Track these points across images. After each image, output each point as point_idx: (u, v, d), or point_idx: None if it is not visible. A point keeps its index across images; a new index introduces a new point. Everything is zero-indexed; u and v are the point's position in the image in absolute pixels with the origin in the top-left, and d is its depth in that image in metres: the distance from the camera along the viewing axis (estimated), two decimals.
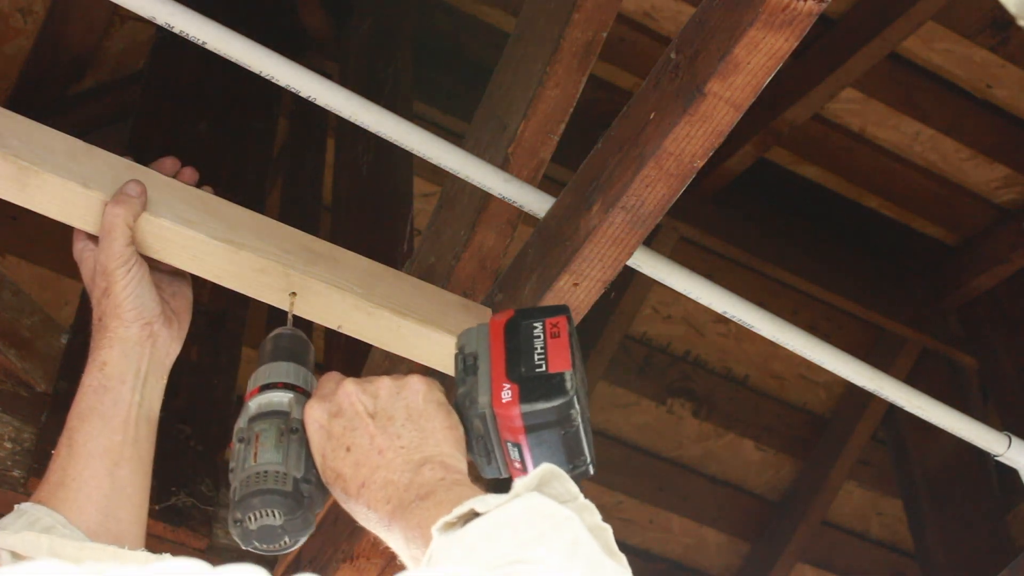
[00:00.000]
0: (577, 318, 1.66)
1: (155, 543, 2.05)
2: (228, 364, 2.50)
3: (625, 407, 3.88)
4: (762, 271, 3.54)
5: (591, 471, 1.21)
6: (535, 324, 1.27)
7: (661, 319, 3.80)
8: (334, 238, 2.12)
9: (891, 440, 3.81)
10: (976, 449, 2.09)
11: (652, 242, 3.26)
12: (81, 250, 1.41)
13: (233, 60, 1.59)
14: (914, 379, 3.24)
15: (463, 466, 1.12)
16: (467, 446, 1.19)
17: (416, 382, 1.20)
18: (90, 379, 1.35)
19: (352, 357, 2.35)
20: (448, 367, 1.63)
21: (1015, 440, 2.06)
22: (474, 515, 0.95)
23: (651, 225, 1.57)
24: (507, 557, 0.87)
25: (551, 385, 1.20)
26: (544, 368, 1.22)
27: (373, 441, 1.13)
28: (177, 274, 1.47)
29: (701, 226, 3.41)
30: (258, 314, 2.64)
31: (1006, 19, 2.93)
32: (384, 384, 1.19)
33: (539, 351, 1.23)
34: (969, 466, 3.53)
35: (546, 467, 1.00)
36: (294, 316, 1.46)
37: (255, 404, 1.27)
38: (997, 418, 3.45)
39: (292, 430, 1.23)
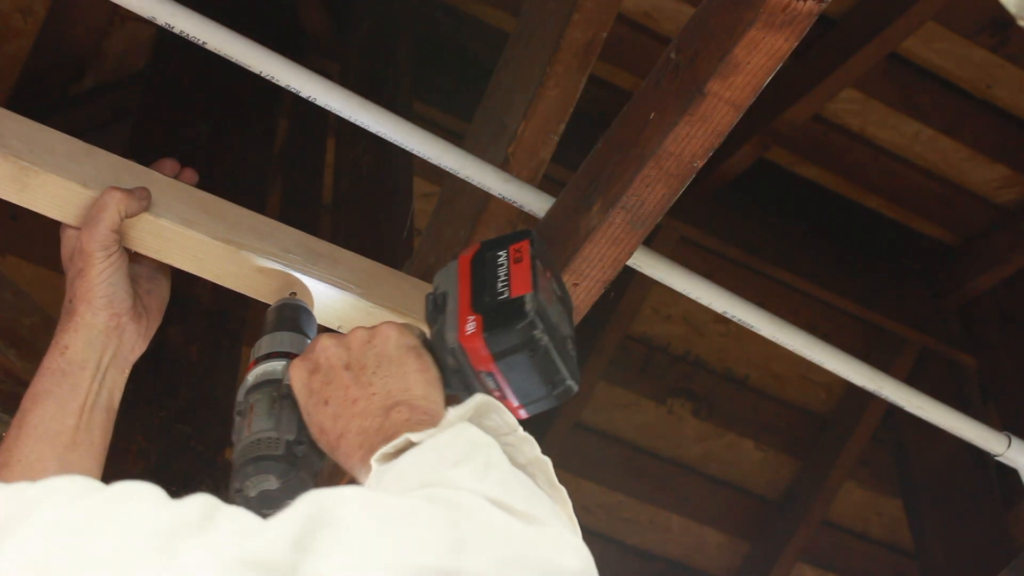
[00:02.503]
0: (577, 318, 1.66)
1: None
2: (228, 364, 2.50)
3: (625, 407, 3.88)
4: (762, 271, 3.54)
5: (574, 387, 1.20)
6: (499, 253, 1.27)
7: (661, 319, 3.80)
8: (334, 238, 2.13)
9: (891, 440, 3.81)
10: (976, 449, 2.09)
11: (652, 242, 3.26)
12: (66, 228, 1.41)
13: (233, 60, 1.59)
14: (914, 379, 3.24)
15: (435, 407, 1.13)
16: (446, 383, 1.19)
17: (386, 329, 1.20)
18: (50, 362, 1.33)
19: None
20: None
21: (1015, 440, 2.06)
22: (411, 445, 0.99)
23: (651, 225, 1.57)
24: (424, 480, 0.91)
25: (512, 310, 1.19)
26: (506, 294, 1.21)
27: (347, 392, 1.15)
28: (157, 272, 1.46)
29: (701, 226, 3.41)
30: (258, 314, 2.64)
31: (1006, 19, 2.93)
32: (357, 335, 1.20)
33: (502, 278, 1.23)
34: (969, 466, 3.53)
35: (481, 398, 1.03)
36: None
37: (252, 376, 1.29)
38: (997, 418, 3.45)
39: (284, 395, 1.24)
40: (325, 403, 1.16)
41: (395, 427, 1.08)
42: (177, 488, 2.39)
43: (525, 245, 1.27)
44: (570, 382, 1.20)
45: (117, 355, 1.36)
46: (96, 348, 1.34)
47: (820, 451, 3.90)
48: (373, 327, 1.21)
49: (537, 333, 1.17)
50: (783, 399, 3.95)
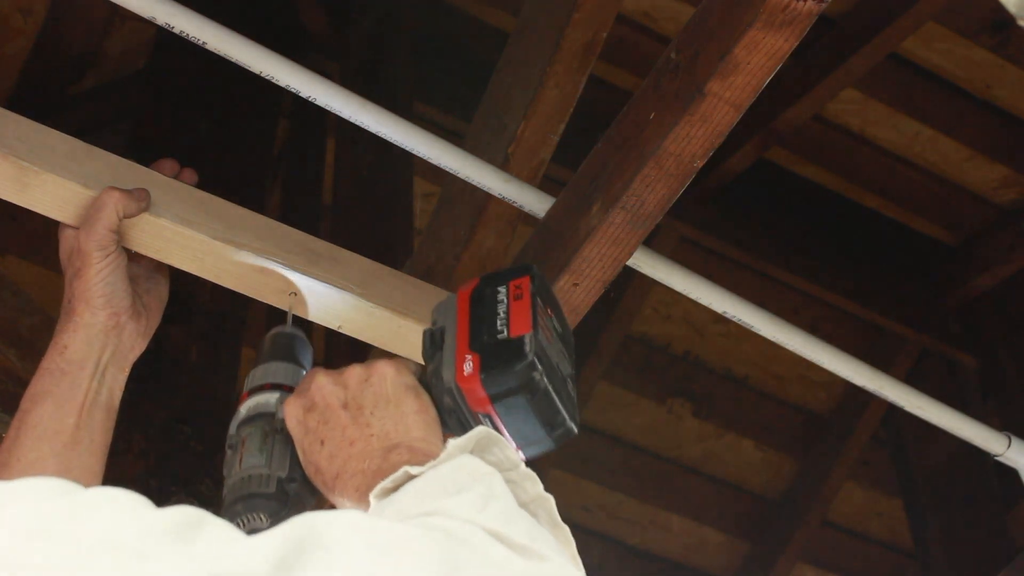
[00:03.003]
0: (577, 318, 1.66)
1: None
2: (228, 364, 2.50)
3: (625, 407, 3.88)
4: (762, 271, 3.54)
5: (573, 430, 1.16)
6: (499, 288, 1.23)
7: (661, 319, 3.80)
8: (334, 238, 2.13)
9: (891, 440, 3.81)
10: (976, 449, 2.09)
11: (652, 242, 3.26)
12: (64, 227, 1.41)
13: (233, 60, 1.59)
14: (914, 379, 3.24)
15: (435, 449, 1.10)
16: (442, 423, 1.17)
17: (383, 367, 1.18)
18: (49, 362, 1.33)
19: (352, 357, 2.34)
20: None
21: (1015, 440, 2.06)
22: (410, 478, 0.97)
23: (651, 225, 1.57)
24: (423, 509, 0.89)
25: (510, 351, 1.15)
26: (505, 333, 1.17)
27: (345, 432, 1.13)
28: (156, 272, 1.46)
29: (701, 226, 3.41)
30: (258, 314, 2.64)
31: (1006, 19, 2.93)
32: (353, 373, 1.18)
33: (501, 316, 1.19)
34: (969, 466, 3.53)
35: (482, 431, 1.01)
36: (294, 316, 1.47)
37: (244, 408, 1.27)
38: (997, 418, 3.45)
39: (277, 430, 1.22)
40: (321, 443, 1.14)
41: (394, 469, 1.05)
42: (177, 488, 2.39)
43: (526, 281, 1.23)
44: (570, 424, 1.16)
45: (116, 354, 1.36)
46: (95, 347, 1.34)
47: (820, 451, 3.90)
48: (369, 364, 1.19)
49: (536, 375, 1.14)
50: (783, 399, 3.94)
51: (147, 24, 1.69)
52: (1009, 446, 2.05)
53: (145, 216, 1.41)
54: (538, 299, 1.22)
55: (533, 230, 1.75)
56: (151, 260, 1.45)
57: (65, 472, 1.30)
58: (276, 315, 1.50)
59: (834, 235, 3.55)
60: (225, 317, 2.51)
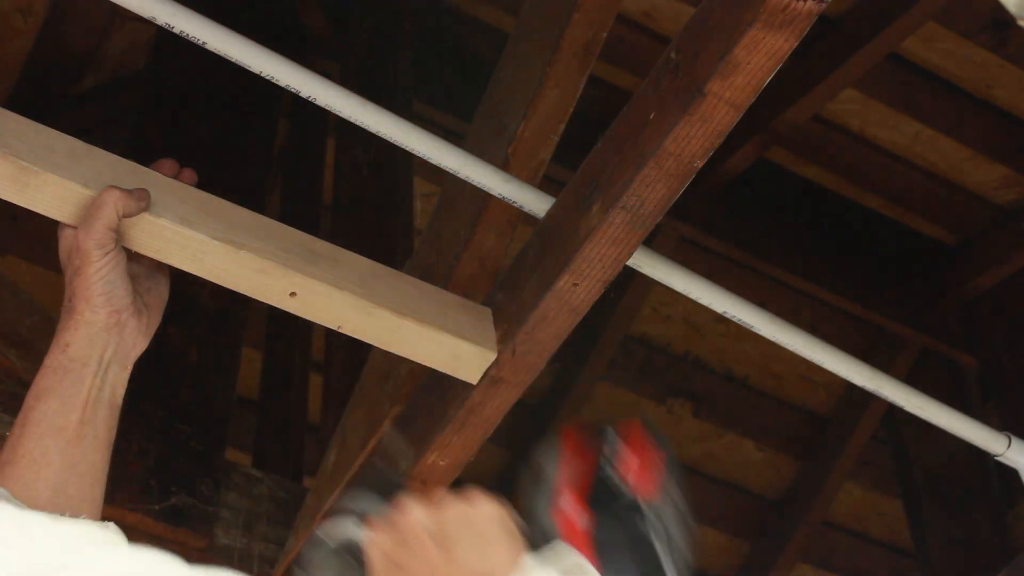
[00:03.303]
0: (577, 318, 1.66)
1: (156, 543, 2.04)
2: (228, 364, 2.50)
3: (625, 407, 3.88)
4: (762, 271, 3.54)
5: None
6: (608, 433, 1.17)
7: (661, 319, 3.80)
8: (334, 238, 2.13)
9: (891, 440, 3.80)
10: (976, 449, 2.09)
11: (652, 242, 3.26)
12: (63, 226, 1.42)
13: (233, 60, 1.59)
14: (914, 379, 3.23)
15: None
16: None
17: (486, 507, 1.10)
18: (52, 360, 1.35)
19: (352, 357, 2.35)
20: (446, 367, 1.64)
21: (1015, 440, 2.06)
22: None
23: (651, 225, 1.57)
24: None
25: (619, 502, 1.10)
26: (616, 482, 1.12)
27: (434, 571, 1.07)
28: (156, 271, 1.47)
29: (701, 226, 3.41)
30: (258, 314, 2.64)
31: (1006, 19, 2.93)
32: (453, 509, 1.10)
33: (611, 463, 1.14)
34: (969, 466, 3.53)
35: (571, 556, 0.96)
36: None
37: (323, 533, 1.21)
38: (997, 418, 3.44)
39: (357, 560, 1.16)
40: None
41: None
42: (177, 488, 2.38)
43: (637, 428, 1.17)
44: None
45: (118, 352, 1.37)
46: (97, 345, 1.35)
47: (820, 451, 3.90)
48: (470, 501, 1.11)
49: (650, 535, 1.09)
50: (783, 399, 3.94)
51: (147, 24, 1.69)
52: (1009, 446, 2.05)
53: (145, 216, 1.42)
54: (653, 453, 1.16)
55: (533, 230, 1.75)
56: (151, 259, 1.46)
57: (70, 468, 1.31)
58: (276, 315, 1.51)
59: (834, 235, 3.55)
60: (225, 317, 2.51)
